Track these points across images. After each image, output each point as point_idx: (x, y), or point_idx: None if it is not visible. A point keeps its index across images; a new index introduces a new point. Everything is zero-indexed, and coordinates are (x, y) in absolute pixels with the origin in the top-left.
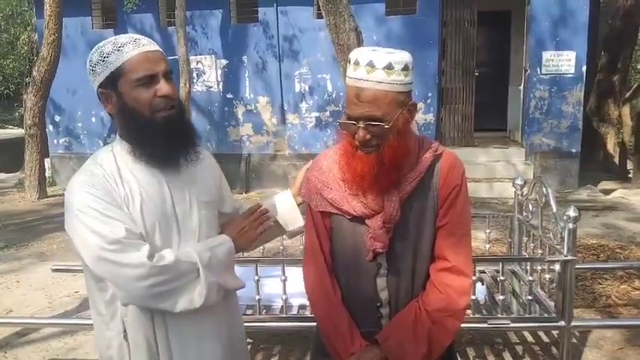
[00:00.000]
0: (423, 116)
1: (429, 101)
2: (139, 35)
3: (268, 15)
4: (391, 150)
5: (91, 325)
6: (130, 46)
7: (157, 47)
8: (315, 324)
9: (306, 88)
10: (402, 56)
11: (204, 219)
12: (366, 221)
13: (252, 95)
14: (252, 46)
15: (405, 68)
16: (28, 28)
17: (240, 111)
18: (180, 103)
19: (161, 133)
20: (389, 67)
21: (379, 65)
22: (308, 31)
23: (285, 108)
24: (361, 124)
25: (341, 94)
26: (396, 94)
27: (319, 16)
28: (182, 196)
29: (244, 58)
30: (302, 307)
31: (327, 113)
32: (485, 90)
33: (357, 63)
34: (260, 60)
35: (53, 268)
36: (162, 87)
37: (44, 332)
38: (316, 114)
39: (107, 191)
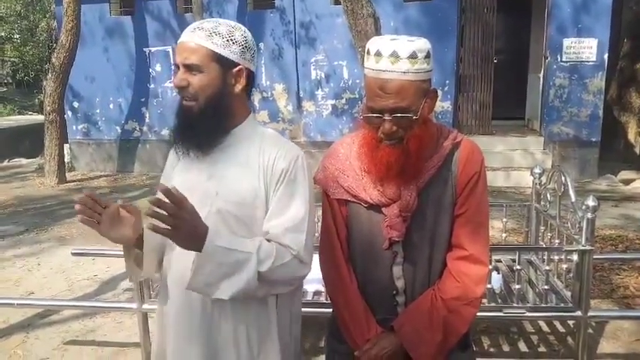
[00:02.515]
0: (441, 104)
1: (446, 89)
2: (200, 23)
3: (285, 1)
4: (417, 140)
5: (110, 307)
6: (183, 34)
7: (191, 37)
8: (330, 310)
9: (323, 76)
10: (424, 43)
11: (218, 218)
12: (383, 209)
13: (268, 82)
14: (269, 33)
15: (428, 56)
16: (47, 15)
17: (256, 98)
18: (209, 100)
19: (179, 117)
20: (413, 55)
21: (403, 55)
22: (325, 18)
23: (301, 95)
24: (387, 117)
25: (357, 81)
26: (421, 82)
27: (336, 2)
28: (194, 186)
29: (260, 44)
30: (317, 293)
31: (344, 101)
32: (503, 78)
33: (378, 54)
34: (276, 47)
35: (73, 252)
36: (176, 77)
37: (64, 314)
38: (332, 101)
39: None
